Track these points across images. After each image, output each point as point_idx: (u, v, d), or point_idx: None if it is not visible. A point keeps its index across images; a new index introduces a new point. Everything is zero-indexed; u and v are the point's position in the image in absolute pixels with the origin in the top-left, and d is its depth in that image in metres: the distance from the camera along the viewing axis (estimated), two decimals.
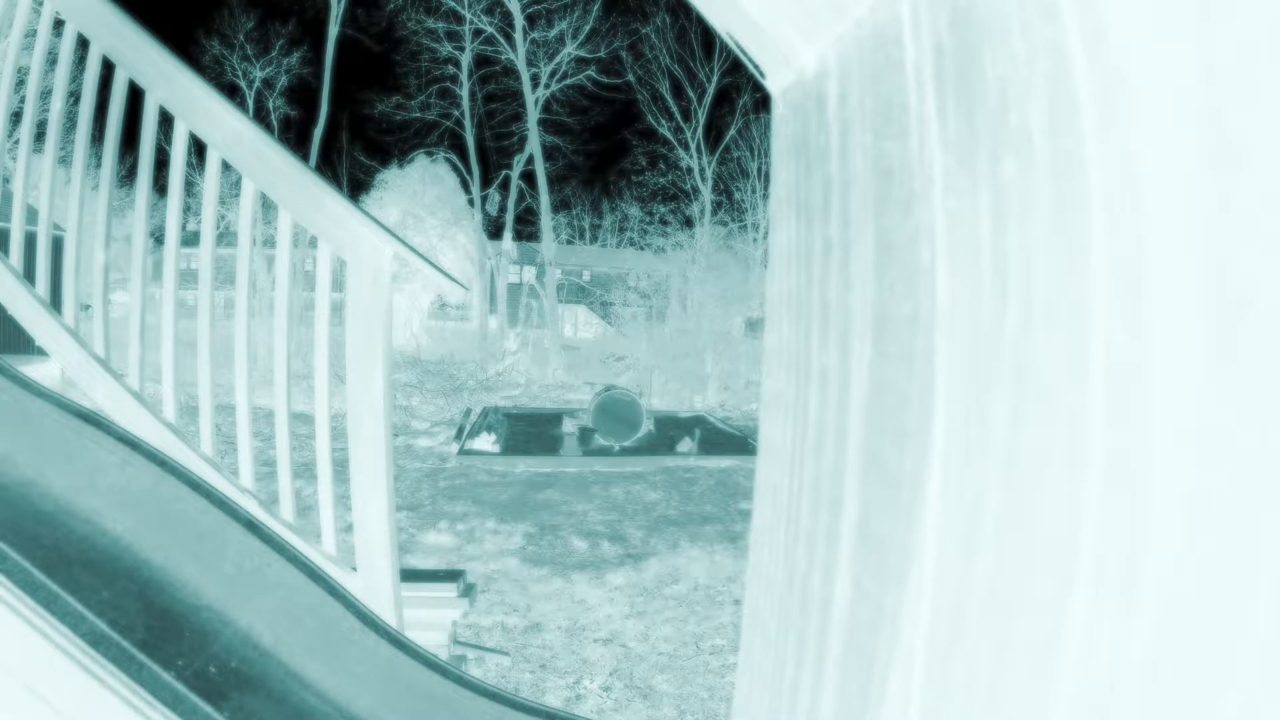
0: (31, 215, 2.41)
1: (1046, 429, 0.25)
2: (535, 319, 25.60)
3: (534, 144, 24.83)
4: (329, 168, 26.68)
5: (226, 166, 2.19)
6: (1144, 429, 0.22)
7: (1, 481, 1.37)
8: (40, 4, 2.32)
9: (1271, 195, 0.19)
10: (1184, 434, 0.21)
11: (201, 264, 2.22)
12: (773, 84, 0.47)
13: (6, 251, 2.36)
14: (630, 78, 26.05)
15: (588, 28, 25.36)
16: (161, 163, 2.51)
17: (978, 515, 0.28)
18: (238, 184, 2.20)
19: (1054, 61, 0.25)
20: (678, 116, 26.36)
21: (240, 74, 27.22)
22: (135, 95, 2.23)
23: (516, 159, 26.43)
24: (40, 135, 2.67)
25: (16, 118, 2.61)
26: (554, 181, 27.30)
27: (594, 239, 32.46)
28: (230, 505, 1.48)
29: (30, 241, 2.37)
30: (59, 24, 2.29)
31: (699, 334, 20.45)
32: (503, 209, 26.64)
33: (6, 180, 2.69)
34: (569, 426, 11.13)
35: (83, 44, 2.23)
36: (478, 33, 25.25)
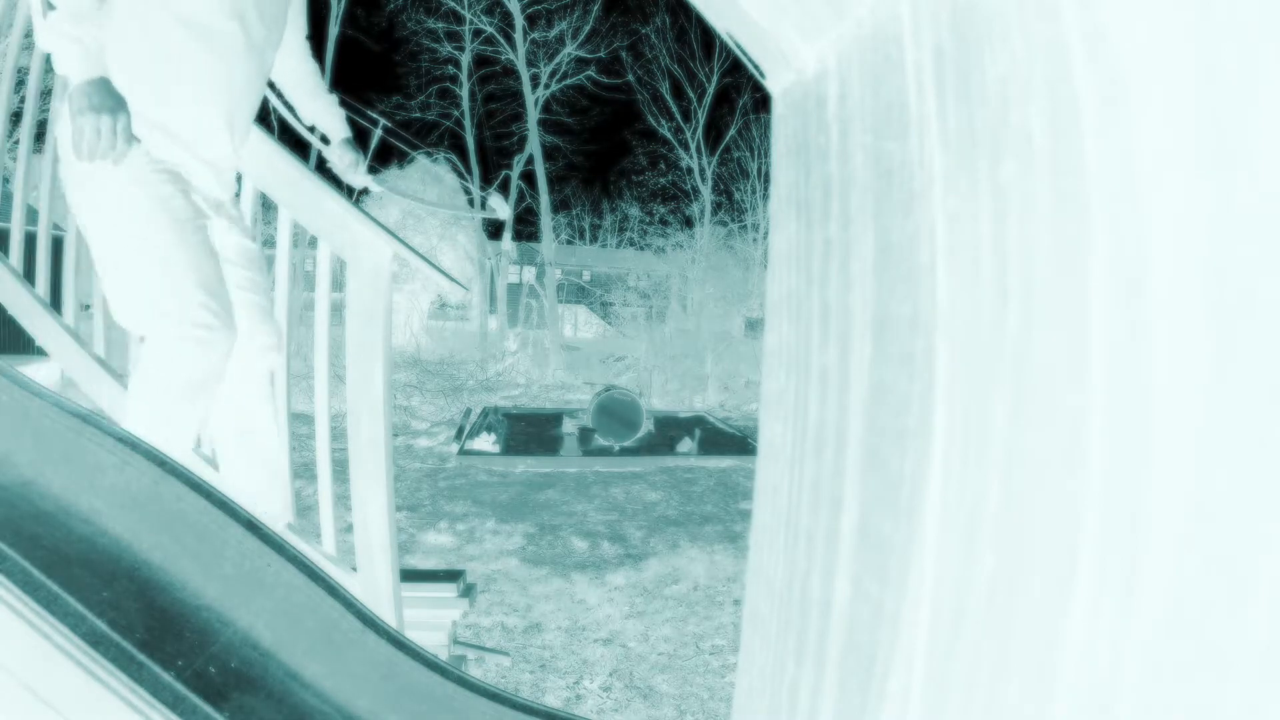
0: (31, 215, 2.41)
1: (1046, 429, 0.25)
2: (535, 319, 25.59)
3: (534, 144, 24.83)
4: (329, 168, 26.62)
5: None
6: (1144, 429, 0.22)
7: (1, 481, 1.37)
8: None
9: (1271, 195, 0.19)
10: (1184, 434, 0.21)
11: None
12: (773, 84, 0.47)
13: (6, 251, 2.36)
14: (630, 78, 26.06)
15: (588, 28, 25.36)
16: None
17: (978, 515, 0.28)
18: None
19: (1054, 61, 0.25)
20: (678, 116, 26.38)
21: None
22: None
23: (516, 159, 26.43)
24: (40, 135, 2.68)
25: (16, 118, 2.61)
26: (554, 181, 27.33)
27: (594, 239, 32.47)
28: (230, 505, 1.48)
29: (30, 241, 2.37)
30: None
31: (699, 334, 20.45)
32: None
33: (6, 180, 2.69)
34: (569, 426, 11.13)
35: None
36: (478, 33, 25.25)
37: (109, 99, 1.69)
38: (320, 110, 2.32)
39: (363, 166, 2.39)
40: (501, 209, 2.38)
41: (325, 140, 2.37)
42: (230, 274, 2.00)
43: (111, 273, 1.83)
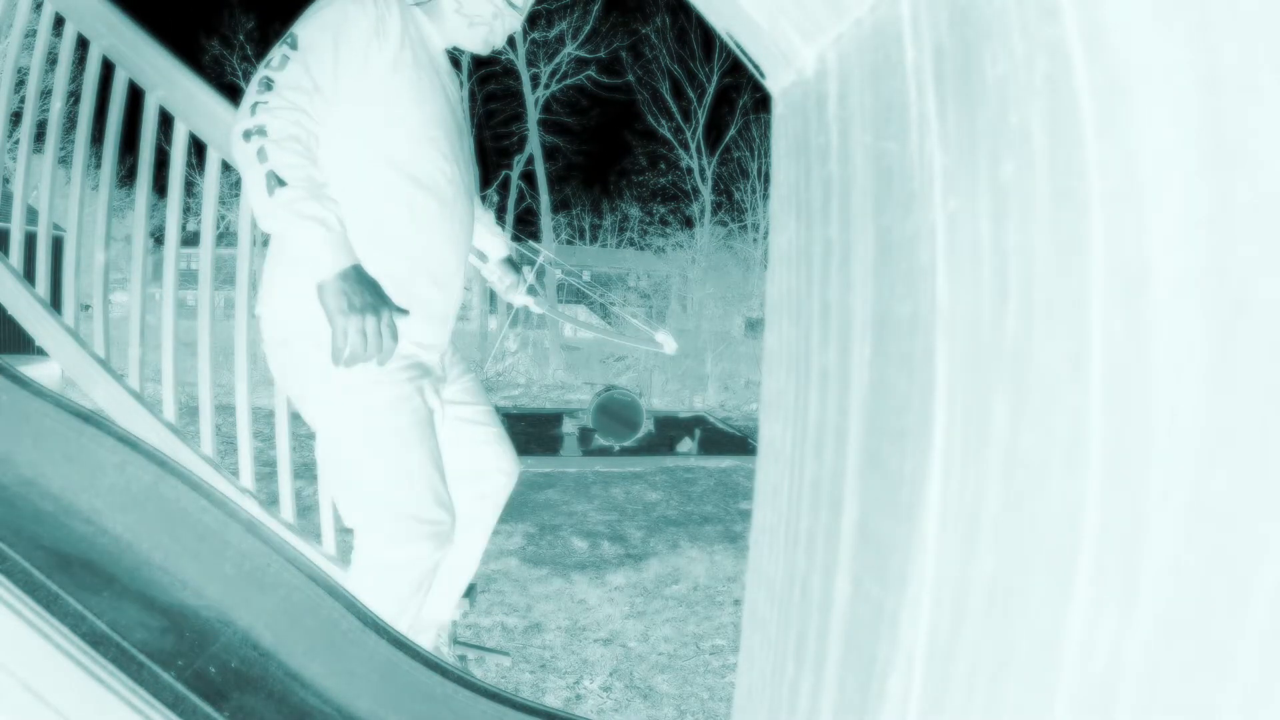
0: (31, 215, 2.41)
1: (1046, 429, 0.25)
2: (535, 319, 25.57)
3: (534, 144, 24.83)
4: None
5: (226, 166, 2.19)
6: (1144, 429, 0.22)
7: (1, 481, 1.37)
8: (40, 4, 2.31)
9: (1271, 195, 0.19)
10: (1184, 434, 0.21)
11: (201, 264, 2.22)
12: (773, 84, 0.47)
13: (6, 251, 2.36)
14: (630, 78, 26.07)
15: (588, 28, 25.36)
16: (161, 163, 2.50)
17: (978, 515, 0.28)
18: (237, 184, 2.20)
19: (1054, 61, 0.25)
20: (678, 116, 26.40)
21: (240, 74, 27.24)
22: (135, 95, 2.23)
23: (516, 159, 26.43)
24: (40, 135, 2.68)
25: (16, 118, 2.61)
26: (554, 181, 27.35)
27: (594, 239, 32.46)
28: (230, 505, 1.48)
29: (30, 241, 2.37)
30: (59, 24, 2.28)
31: (699, 334, 20.46)
32: (503, 209, 26.63)
33: (6, 180, 2.69)
34: (569, 426, 11.12)
35: (82, 44, 2.23)
36: None
37: (368, 293, 1.55)
38: (480, 231, 2.21)
39: (523, 287, 2.31)
40: (668, 344, 2.36)
41: (483, 258, 2.25)
42: (465, 413, 1.93)
43: (347, 474, 1.73)
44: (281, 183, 1.52)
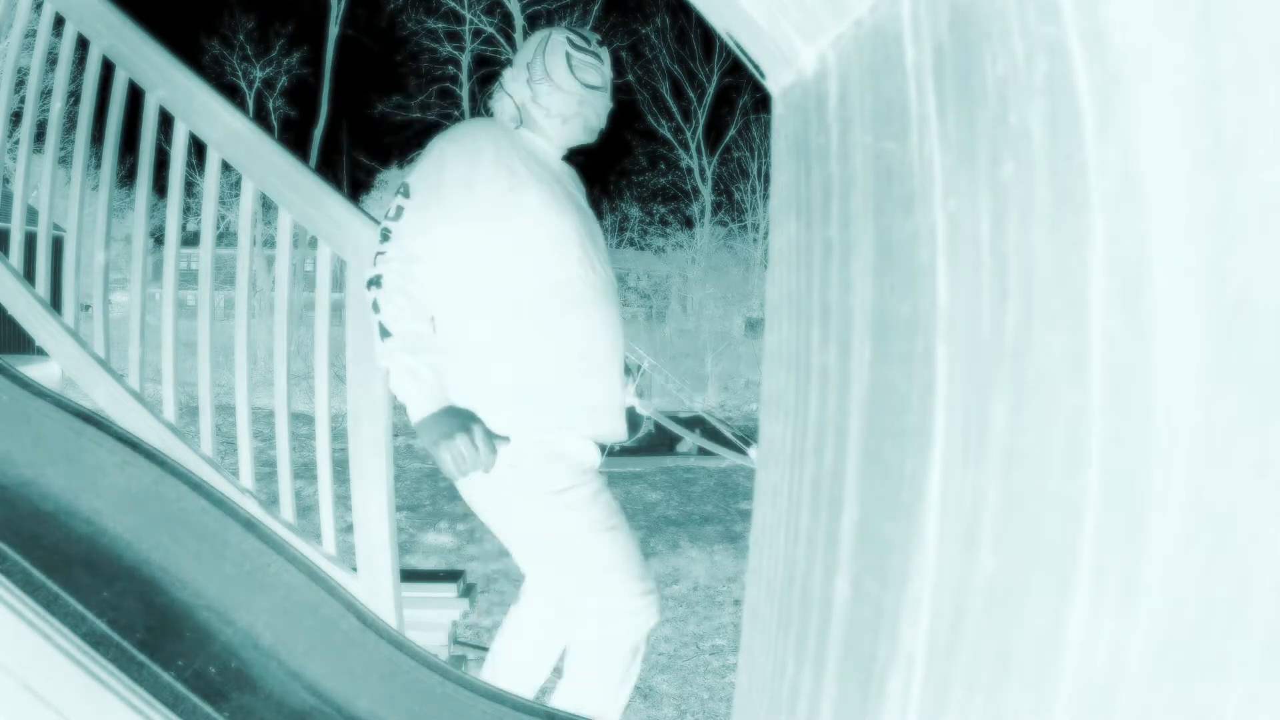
0: (31, 215, 2.41)
1: (1046, 429, 0.25)
2: None
3: None
4: (329, 168, 26.71)
5: (226, 166, 2.19)
6: (1144, 429, 0.22)
7: (1, 481, 1.37)
8: (40, 4, 2.31)
9: (1271, 195, 0.19)
10: (1184, 434, 0.21)
11: (201, 264, 2.22)
12: (773, 84, 0.47)
13: (6, 251, 2.36)
14: (630, 78, 26.08)
15: (588, 28, 25.37)
16: (161, 163, 2.50)
17: (978, 515, 0.28)
18: (238, 184, 2.20)
19: (1054, 61, 0.25)
20: (678, 116, 26.40)
21: (240, 74, 27.26)
22: (135, 95, 2.23)
23: None
24: (40, 135, 2.67)
25: (17, 118, 2.61)
26: None
27: None
28: (230, 505, 1.48)
29: (30, 241, 2.37)
30: (59, 24, 2.28)
31: (699, 334, 20.46)
32: None
33: (6, 180, 2.69)
34: None
35: (82, 44, 2.23)
36: (478, 33, 25.28)
37: (454, 420, 1.74)
38: None
39: (631, 388, 2.44)
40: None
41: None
42: None
43: (572, 579, 1.90)
44: (388, 333, 1.76)
